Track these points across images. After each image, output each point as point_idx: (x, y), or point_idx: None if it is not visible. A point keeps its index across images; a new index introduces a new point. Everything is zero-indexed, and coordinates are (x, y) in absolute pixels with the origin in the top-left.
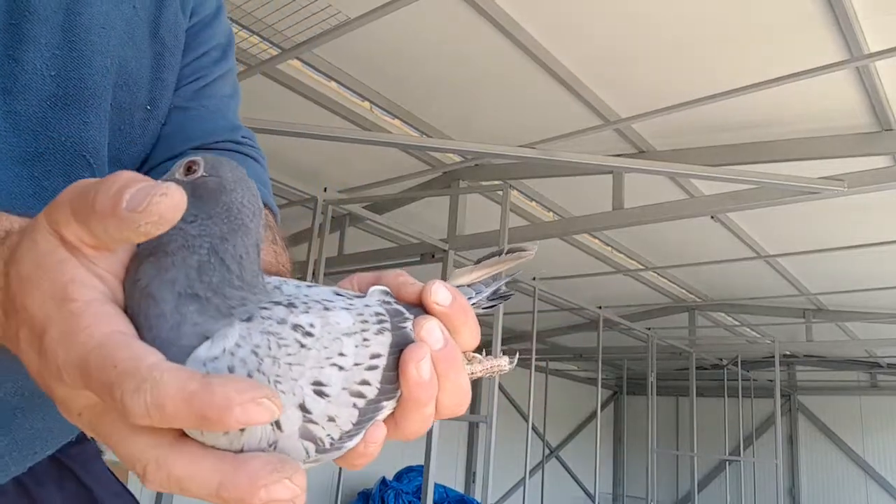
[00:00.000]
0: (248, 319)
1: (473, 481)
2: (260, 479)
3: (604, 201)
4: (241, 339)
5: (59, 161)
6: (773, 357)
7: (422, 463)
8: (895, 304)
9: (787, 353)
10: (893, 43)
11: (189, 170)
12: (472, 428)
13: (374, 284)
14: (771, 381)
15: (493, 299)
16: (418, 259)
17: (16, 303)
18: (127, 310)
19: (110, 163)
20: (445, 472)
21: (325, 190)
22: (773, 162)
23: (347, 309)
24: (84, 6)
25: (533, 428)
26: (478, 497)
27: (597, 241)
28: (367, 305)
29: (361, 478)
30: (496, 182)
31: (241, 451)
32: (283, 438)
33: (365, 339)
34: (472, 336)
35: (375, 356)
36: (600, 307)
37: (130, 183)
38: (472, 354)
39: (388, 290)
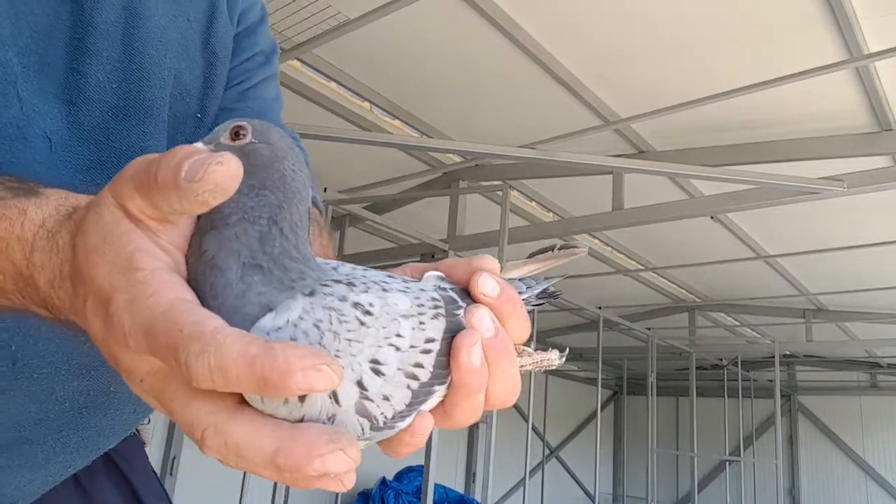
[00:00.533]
0: (311, 294)
1: (473, 481)
2: (317, 448)
3: (603, 201)
4: (305, 312)
5: (120, 170)
6: (773, 357)
7: (422, 463)
8: (895, 304)
9: (787, 353)
10: (893, 43)
11: (237, 135)
12: (472, 428)
13: (428, 272)
14: (771, 381)
15: (542, 297)
16: (418, 259)
17: (83, 273)
18: (190, 281)
19: None
20: (445, 473)
21: (325, 190)
22: (773, 162)
23: (405, 292)
24: (142, 20)
25: (533, 428)
26: (478, 497)
27: (597, 241)
28: (423, 290)
29: (361, 478)
30: (496, 182)
31: (301, 421)
32: (340, 413)
33: (421, 323)
34: (522, 328)
35: (430, 340)
36: (600, 307)
37: (189, 155)
38: (522, 347)
39: (443, 275)
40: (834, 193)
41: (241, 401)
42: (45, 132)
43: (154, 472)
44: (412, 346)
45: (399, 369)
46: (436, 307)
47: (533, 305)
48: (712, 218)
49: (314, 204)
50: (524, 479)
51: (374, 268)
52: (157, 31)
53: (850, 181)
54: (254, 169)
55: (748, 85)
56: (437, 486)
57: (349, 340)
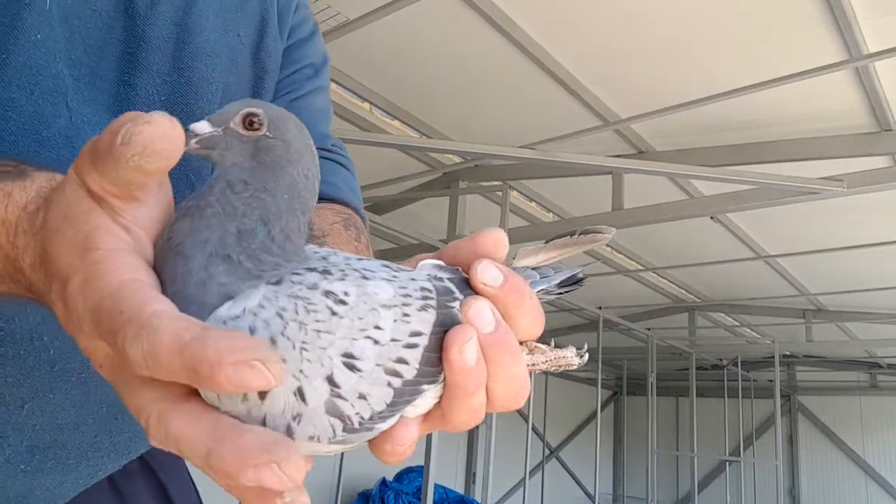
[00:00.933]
0: (278, 283)
1: (473, 482)
2: (249, 458)
3: (603, 202)
4: (266, 300)
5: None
6: (773, 357)
7: (422, 463)
8: (895, 304)
9: (787, 353)
10: (892, 43)
11: (250, 124)
12: (472, 428)
13: (424, 261)
14: (771, 381)
15: (565, 285)
16: None
17: (47, 254)
18: (155, 268)
19: None
20: (445, 473)
21: None
22: (773, 162)
23: (390, 280)
24: (193, 35)
25: (533, 428)
26: (478, 497)
27: None
28: (413, 279)
29: (361, 478)
30: (496, 183)
31: (263, 421)
32: (307, 412)
33: (405, 315)
34: (532, 322)
35: (416, 334)
36: (600, 307)
37: (129, 118)
38: (535, 344)
39: (441, 264)
40: (834, 193)
41: (192, 391)
42: None
43: (191, 477)
44: (393, 340)
45: (378, 365)
46: (425, 298)
47: (555, 295)
48: (712, 218)
49: (355, 209)
50: (524, 479)
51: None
52: (206, 46)
53: (849, 181)
54: (260, 168)
55: (748, 85)
56: (437, 486)
57: (318, 332)
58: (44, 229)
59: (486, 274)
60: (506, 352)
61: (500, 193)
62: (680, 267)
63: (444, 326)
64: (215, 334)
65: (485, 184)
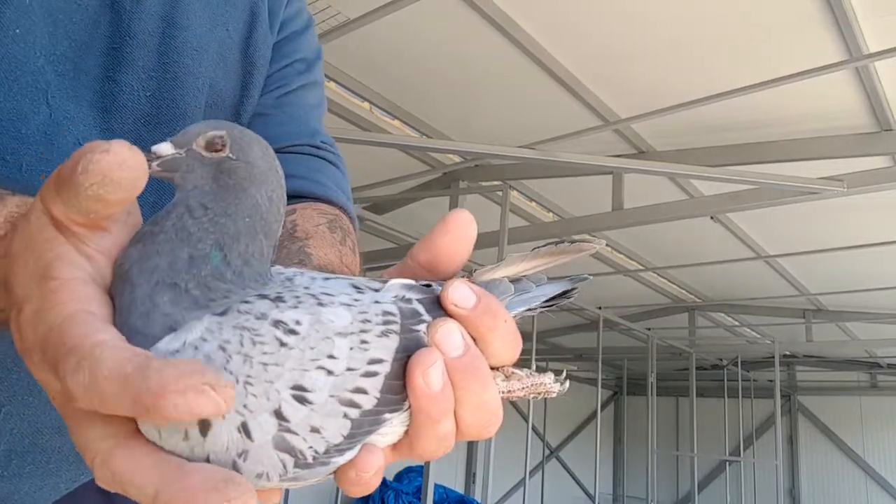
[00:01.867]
0: (223, 313)
1: (473, 482)
2: (198, 497)
3: (603, 202)
4: (208, 332)
5: (151, 178)
6: (773, 357)
7: (422, 464)
8: (895, 304)
9: (787, 353)
10: (893, 43)
11: (212, 145)
12: None
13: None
14: (771, 381)
15: (553, 298)
16: None
17: (8, 282)
18: (110, 294)
19: None
20: (445, 473)
21: None
22: (773, 162)
23: (349, 306)
24: (179, 30)
25: (533, 428)
26: (478, 497)
27: None
28: (376, 302)
29: None
30: (496, 182)
31: (208, 460)
32: (254, 448)
33: (363, 342)
34: (507, 346)
35: (375, 361)
36: (600, 307)
37: (92, 148)
38: (512, 370)
39: (411, 283)
40: (834, 194)
41: (138, 429)
42: (78, 139)
43: None
44: (350, 369)
45: (332, 396)
46: (387, 322)
47: (539, 311)
48: (712, 218)
49: (343, 209)
50: (524, 479)
51: (370, 269)
52: (193, 41)
53: (849, 181)
54: (222, 191)
55: (748, 85)
56: (436, 486)
57: (264, 364)
58: (7, 256)
59: (457, 294)
60: (474, 377)
61: (500, 193)
62: (680, 267)
63: (409, 352)
64: (159, 363)
65: (485, 184)
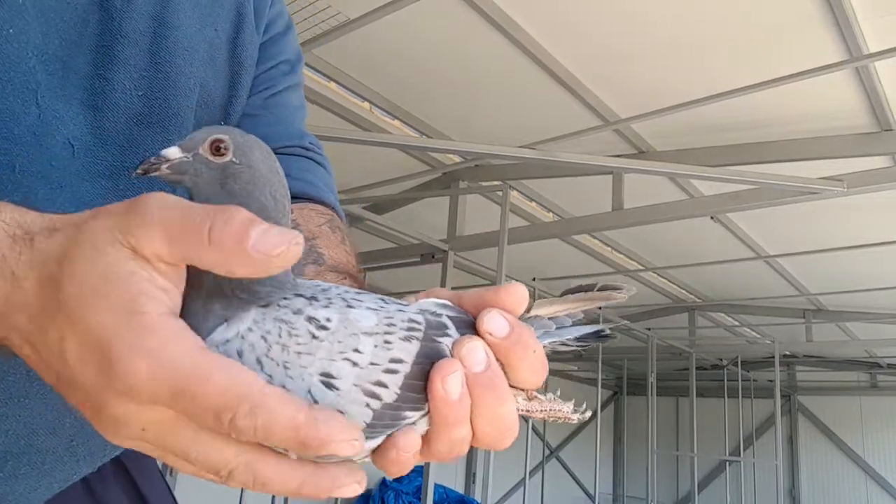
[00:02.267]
0: (266, 306)
1: (473, 482)
2: (339, 480)
3: (603, 202)
4: (255, 323)
5: (142, 177)
6: (773, 357)
7: (421, 464)
8: (895, 304)
9: (787, 353)
10: (893, 43)
11: (217, 150)
12: None
13: (427, 297)
14: (771, 381)
15: (586, 338)
16: (418, 260)
17: (69, 313)
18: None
19: None
20: (445, 473)
21: None
22: (773, 162)
23: (376, 311)
24: (170, 30)
25: (533, 428)
26: (478, 497)
27: (596, 241)
28: (401, 311)
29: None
30: (496, 182)
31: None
32: None
33: (387, 342)
34: (533, 374)
35: (396, 360)
36: (600, 307)
37: (254, 223)
38: (535, 393)
39: (447, 303)
40: (834, 194)
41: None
42: (68, 138)
43: (161, 473)
44: (372, 364)
45: (356, 385)
46: (410, 329)
47: (574, 347)
48: (712, 218)
49: (334, 209)
50: (524, 479)
51: (370, 269)
52: (184, 41)
53: (850, 181)
54: (230, 197)
55: (748, 85)
56: (437, 486)
57: (298, 353)
58: (64, 285)
59: (492, 324)
60: (492, 393)
61: (500, 193)
62: (680, 267)
63: (430, 358)
64: (321, 416)
65: (485, 183)
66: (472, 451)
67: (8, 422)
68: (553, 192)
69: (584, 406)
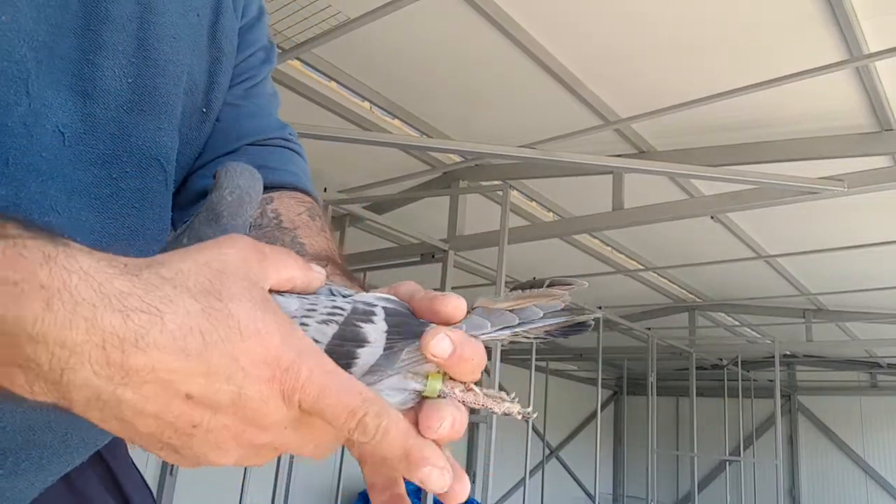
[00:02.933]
0: None
1: (473, 481)
2: (434, 461)
3: (604, 201)
4: None
5: (135, 164)
6: (773, 357)
7: None
8: (895, 304)
9: (787, 353)
10: (893, 43)
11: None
12: (472, 428)
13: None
14: (771, 381)
15: (560, 330)
16: (418, 259)
17: (241, 331)
18: None
19: (185, 161)
20: None
21: (325, 190)
22: (773, 162)
23: (301, 298)
24: (156, 16)
25: (533, 428)
26: (478, 497)
27: (597, 241)
28: (332, 299)
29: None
30: (496, 182)
31: None
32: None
33: (304, 325)
34: (467, 375)
35: (312, 340)
36: (600, 307)
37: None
38: (472, 386)
39: (389, 297)
40: (834, 193)
41: None
42: (58, 126)
43: (133, 462)
44: None
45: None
46: (331, 314)
47: (546, 337)
48: (712, 218)
49: (312, 197)
50: (524, 479)
51: (371, 269)
52: (171, 28)
53: (850, 181)
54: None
55: (748, 85)
56: None
57: None
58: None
59: (438, 347)
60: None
61: (500, 193)
62: (680, 267)
63: (347, 340)
64: (426, 440)
65: (485, 183)
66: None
67: (6, 418)
68: (553, 192)
69: (531, 408)
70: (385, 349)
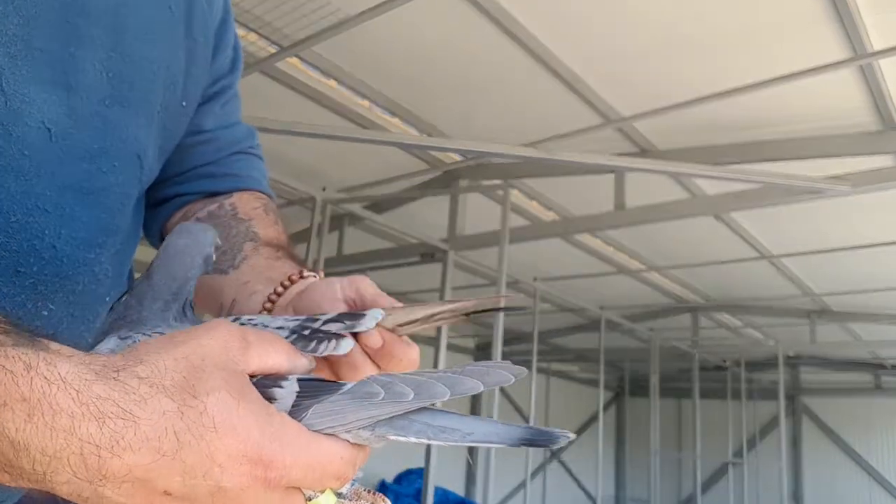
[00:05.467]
0: (124, 338)
1: (474, 484)
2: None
3: (605, 201)
4: (116, 346)
5: (119, 158)
6: (777, 358)
7: (422, 465)
8: None
9: (791, 354)
10: None
11: None
12: None
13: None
14: (775, 382)
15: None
16: (418, 259)
17: (215, 426)
18: None
19: (158, 156)
20: (446, 475)
21: (324, 189)
22: (777, 161)
23: (253, 322)
24: (130, 9)
25: None
26: (478, 500)
27: (598, 240)
28: (279, 324)
29: (360, 481)
30: (497, 181)
31: None
32: None
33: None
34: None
35: None
36: (602, 308)
37: None
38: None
39: (326, 317)
40: (840, 193)
41: None
42: (43, 122)
43: None
44: None
45: None
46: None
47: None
48: (716, 217)
49: (270, 197)
50: (525, 481)
51: (371, 269)
52: (145, 22)
53: (855, 180)
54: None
55: (752, 83)
56: (437, 488)
57: None
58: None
59: (370, 340)
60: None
61: (500, 192)
62: (683, 267)
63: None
64: None
65: (486, 182)
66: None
67: None
68: (554, 191)
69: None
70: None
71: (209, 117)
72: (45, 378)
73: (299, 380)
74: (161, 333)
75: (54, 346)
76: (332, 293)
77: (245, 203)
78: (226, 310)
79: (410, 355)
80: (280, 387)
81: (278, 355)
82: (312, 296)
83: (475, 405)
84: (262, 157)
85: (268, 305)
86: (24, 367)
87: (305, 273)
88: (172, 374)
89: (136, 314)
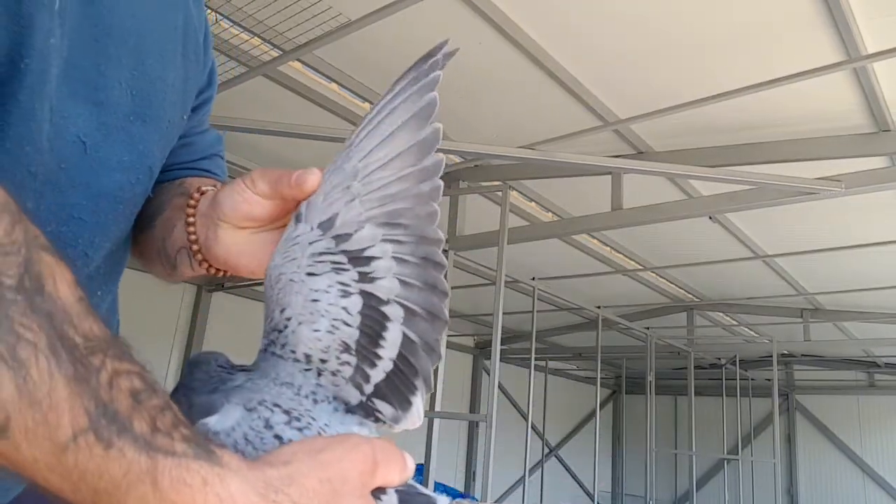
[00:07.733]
0: (250, 410)
1: (473, 480)
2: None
3: (603, 202)
4: (237, 425)
5: (141, 170)
6: (772, 356)
7: (421, 462)
8: (892, 303)
9: (785, 352)
10: (891, 44)
11: None
12: (472, 427)
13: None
14: (769, 380)
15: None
16: None
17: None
18: None
19: (160, 167)
20: (445, 471)
21: None
22: (771, 163)
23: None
24: (148, 32)
25: (532, 427)
26: (478, 495)
27: (595, 241)
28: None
29: None
30: (496, 183)
31: None
32: None
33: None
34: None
35: None
36: (599, 307)
37: None
38: None
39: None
40: (832, 194)
41: None
42: (79, 136)
43: None
44: None
45: None
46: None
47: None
48: (711, 218)
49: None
50: (524, 477)
51: None
52: (159, 43)
53: (848, 181)
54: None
55: (746, 86)
56: (437, 484)
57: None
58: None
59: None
60: None
61: (500, 193)
62: (678, 266)
63: None
64: None
65: (485, 184)
66: (472, 450)
67: None
68: (553, 193)
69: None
70: None
71: (190, 125)
72: (218, 495)
73: (396, 491)
74: (269, 407)
75: (225, 457)
76: (241, 192)
77: (201, 182)
78: (162, 253)
79: None
80: (379, 499)
81: (395, 475)
82: (223, 199)
83: (474, 399)
84: (223, 157)
85: (190, 220)
86: (201, 482)
87: (214, 183)
88: (319, 499)
89: (221, 381)
